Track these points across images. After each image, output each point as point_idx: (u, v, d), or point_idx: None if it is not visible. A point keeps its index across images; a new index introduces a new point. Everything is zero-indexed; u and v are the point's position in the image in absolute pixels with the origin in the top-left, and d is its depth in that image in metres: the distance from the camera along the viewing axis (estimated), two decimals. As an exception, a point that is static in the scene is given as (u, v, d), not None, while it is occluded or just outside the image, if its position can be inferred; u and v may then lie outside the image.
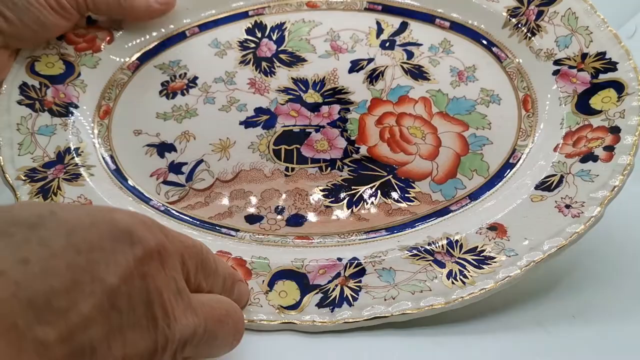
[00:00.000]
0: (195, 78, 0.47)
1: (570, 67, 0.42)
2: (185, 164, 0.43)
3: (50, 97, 0.44)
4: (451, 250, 0.36)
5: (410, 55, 0.47)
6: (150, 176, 0.42)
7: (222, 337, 0.29)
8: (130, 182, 0.42)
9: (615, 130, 0.39)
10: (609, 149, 0.38)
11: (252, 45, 0.48)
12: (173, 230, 0.29)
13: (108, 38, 0.47)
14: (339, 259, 0.37)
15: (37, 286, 0.21)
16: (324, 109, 0.45)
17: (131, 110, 0.45)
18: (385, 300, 0.34)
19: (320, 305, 0.34)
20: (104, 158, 0.43)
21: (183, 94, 0.46)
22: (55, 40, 0.45)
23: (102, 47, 0.47)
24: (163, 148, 0.44)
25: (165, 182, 0.42)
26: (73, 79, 0.45)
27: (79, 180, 0.40)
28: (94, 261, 0.23)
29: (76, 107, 0.44)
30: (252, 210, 0.41)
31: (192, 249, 0.29)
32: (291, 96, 0.46)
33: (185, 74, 0.47)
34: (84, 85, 0.45)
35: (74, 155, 0.42)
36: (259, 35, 0.49)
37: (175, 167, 0.43)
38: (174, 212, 0.41)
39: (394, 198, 0.41)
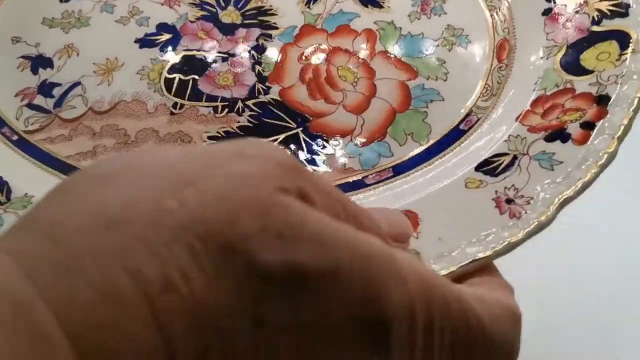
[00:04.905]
0: (96, -22, 0.38)
1: (567, 6, 0.31)
2: (59, 85, 0.35)
3: None
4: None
5: (366, -28, 0.36)
6: (15, 96, 0.34)
7: None
8: (-12, 101, 0.34)
9: (603, 100, 0.27)
10: (588, 126, 0.27)
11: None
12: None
13: None
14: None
15: None
16: (240, 32, 0.35)
17: (18, 10, 0.37)
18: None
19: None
20: (-35, 68, 0.35)
21: (79, -3, 0.37)
22: None
23: None
24: (38, 62, 0.35)
25: (30, 106, 0.34)
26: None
27: None
28: None
29: (-56, 0, 0.36)
30: (120, 153, 0.32)
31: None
32: (206, 12, 0.36)
33: (85, -29, 0.38)
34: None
35: None
36: None
37: (46, 88, 0.34)
38: (25, 143, 0.33)
39: (298, 159, 0.31)
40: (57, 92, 0.34)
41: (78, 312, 0.14)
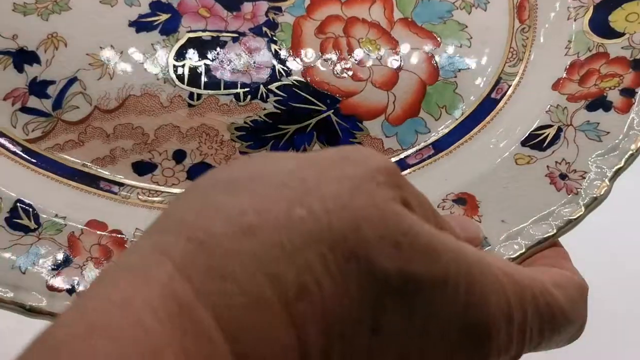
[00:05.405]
0: (68, -49, 0.33)
1: (589, -39, 0.30)
2: (53, 82, 0.31)
3: None
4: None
5: None
6: (4, 99, 0.31)
7: None
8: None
9: (639, 65, 0.28)
10: (628, 93, 0.28)
11: None
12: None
13: None
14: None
15: None
16: (246, 7, 0.32)
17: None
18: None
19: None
20: (-64, 71, 0.31)
21: (51, -24, 0.33)
22: None
23: None
24: (21, 57, 0.31)
25: (24, 110, 0.31)
26: None
27: None
28: None
29: None
30: (142, 155, 0.30)
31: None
32: (202, -15, 0.33)
33: (54, -56, 0.33)
34: None
35: None
36: None
37: (39, 87, 0.31)
38: (33, 154, 0.30)
39: (334, 143, 0.30)
40: (52, 91, 0.31)
41: (234, 317, 0.15)
